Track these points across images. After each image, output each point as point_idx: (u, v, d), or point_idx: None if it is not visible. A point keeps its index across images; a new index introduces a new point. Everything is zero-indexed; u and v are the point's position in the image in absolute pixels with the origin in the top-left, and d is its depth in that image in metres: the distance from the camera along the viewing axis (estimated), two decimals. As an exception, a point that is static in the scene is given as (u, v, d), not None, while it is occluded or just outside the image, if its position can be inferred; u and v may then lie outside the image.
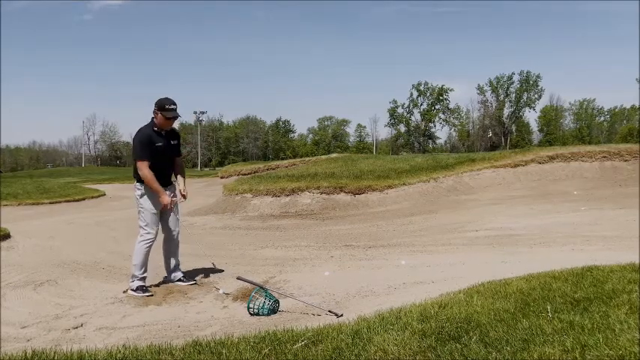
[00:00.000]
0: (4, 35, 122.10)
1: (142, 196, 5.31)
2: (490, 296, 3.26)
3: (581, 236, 7.45)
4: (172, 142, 5.46)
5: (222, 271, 6.04)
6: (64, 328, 4.09)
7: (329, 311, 4.05)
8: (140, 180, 5.31)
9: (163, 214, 5.46)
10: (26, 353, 2.63)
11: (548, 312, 2.77)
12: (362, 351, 2.33)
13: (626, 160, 13.64)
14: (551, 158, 14.14)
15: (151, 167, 5.20)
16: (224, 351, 2.39)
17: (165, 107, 5.22)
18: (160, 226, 5.47)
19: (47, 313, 4.54)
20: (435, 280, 5.14)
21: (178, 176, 5.65)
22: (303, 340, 2.48)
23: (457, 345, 2.34)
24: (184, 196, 5.59)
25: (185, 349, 2.48)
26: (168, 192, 5.42)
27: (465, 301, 3.15)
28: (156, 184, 5.21)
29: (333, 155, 26.45)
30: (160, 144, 5.28)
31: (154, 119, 5.30)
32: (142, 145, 5.22)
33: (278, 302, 4.35)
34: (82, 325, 4.18)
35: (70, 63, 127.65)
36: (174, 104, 5.27)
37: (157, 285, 5.51)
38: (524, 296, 3.19)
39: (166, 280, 5.62)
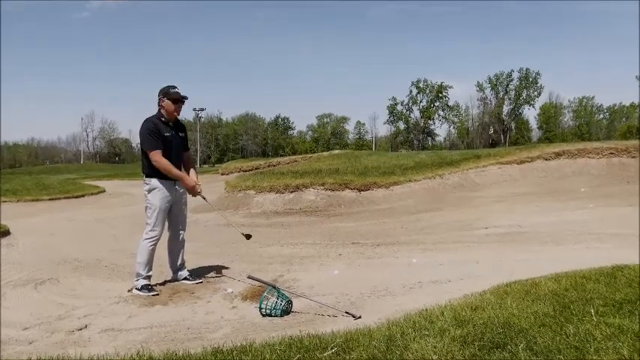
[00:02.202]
0: (3, 34, 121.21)
1: (150, 191, 5.10)
2: (522, 298, 3.06)
3: (592, 234, 7.31)
4: (180, 135, 5.26)
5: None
6: (68, 329, 3.88)
7: (346, 312, 3.86)
8: (149, 175, 5.10)
9: (171, 211, 5.26)
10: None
11: (592, 316, 2.58)
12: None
13: (633, 157, 13.45)
14: (558, 155, 13.96)
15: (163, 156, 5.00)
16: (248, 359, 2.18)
17: (170, 91, 5.05)
18: (166, 224, 5.27)
19: (49, 314, 4.33)
20: (452, 279, 4.96)
21: (191, 170, 5.40)
22: (332, 348, 2.28)
23: (504, 354, 2.13)
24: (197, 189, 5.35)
25: (205, 358, 2.26)
26: (178, 187, 5.23)
27: (498, 303, 2.95)
28: (175, 170, 5.02)
29: (336, 152, 26.28)
30: (168, 134, 5.07)
31: (160, 109, 5.10)
32: (151, 134, 4.98)
33: (291, 303, 4.16)
34: (86, 327, 3.97)
35: (69, 61, 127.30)
36: (178, 88, 5.11)
37: (162, 284, 5.32)
38: (559, 298, 3.00)
39: (172, 279, 5.43)
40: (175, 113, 5.13)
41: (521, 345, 2.20)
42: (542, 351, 2.16)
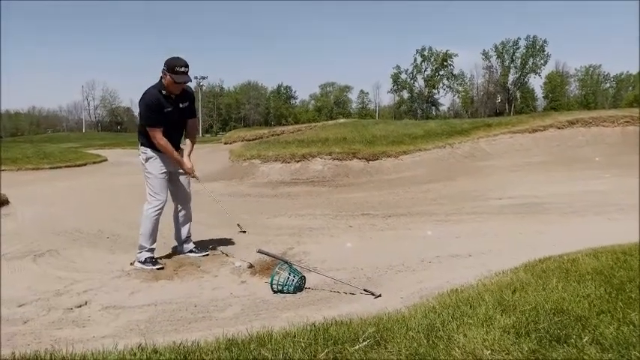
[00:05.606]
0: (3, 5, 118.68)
1: (147, 160, 4.80)
2: (564, 277, 2.76)
3: (612, 205, 7.07)
4: (181, 106, 4.83)
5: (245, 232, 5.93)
6: (67, 306, 3.62)
7: (364, 290, 3.58)
8: (145, 144, 4.79)
9: (173, 179, 4.96)
10: (14, 356, 2.08)
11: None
12: (446, 356, 1.84)
13: (650, 126, 13.05)
14: (571, 123, 13.56)
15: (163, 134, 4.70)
16: (269, 355, 1.87)
17: (175, 70, 4.54)
18: (169, 194, 4.98)
19: (47, 289, 4.05)
20: (472, 253, 4.70)
21: (187, 140, 5.11)
22: (364, 340, 1.98)
23: (569, 349, 1.81)
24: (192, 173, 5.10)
25: (219, 350, 1.95)
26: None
27: (539, 284, 2.64)
28: (175, 154, 4.80)
29: (342, 120, 25.82)
30: (168, 109, 4.69)
31: (163, 80, 4.65)
32: (150, 110, 4.63)
33: (304, 278, 3.89)
34: (86, 304, 3.71)
35: (70, 28, 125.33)
36: (186, 66, 4.59)
37: (167, 257, 5.06)
38: (606, 277, 2.70)
39: (177, 252, 5.17)
40: (175, 91, 4.71)
41: (586, 338, 1.90)
42: (612, 345, 1.86)
